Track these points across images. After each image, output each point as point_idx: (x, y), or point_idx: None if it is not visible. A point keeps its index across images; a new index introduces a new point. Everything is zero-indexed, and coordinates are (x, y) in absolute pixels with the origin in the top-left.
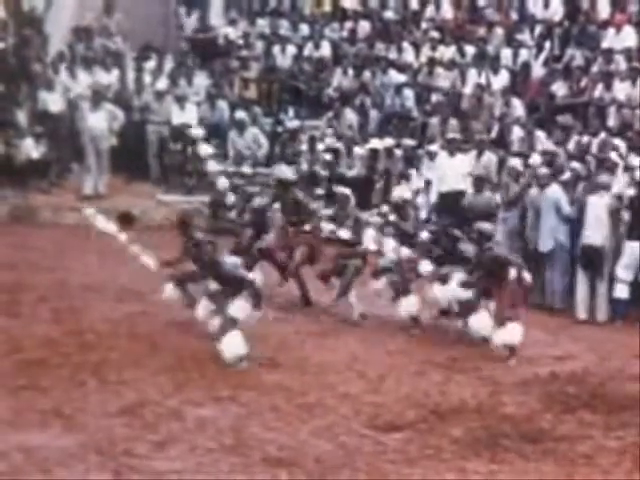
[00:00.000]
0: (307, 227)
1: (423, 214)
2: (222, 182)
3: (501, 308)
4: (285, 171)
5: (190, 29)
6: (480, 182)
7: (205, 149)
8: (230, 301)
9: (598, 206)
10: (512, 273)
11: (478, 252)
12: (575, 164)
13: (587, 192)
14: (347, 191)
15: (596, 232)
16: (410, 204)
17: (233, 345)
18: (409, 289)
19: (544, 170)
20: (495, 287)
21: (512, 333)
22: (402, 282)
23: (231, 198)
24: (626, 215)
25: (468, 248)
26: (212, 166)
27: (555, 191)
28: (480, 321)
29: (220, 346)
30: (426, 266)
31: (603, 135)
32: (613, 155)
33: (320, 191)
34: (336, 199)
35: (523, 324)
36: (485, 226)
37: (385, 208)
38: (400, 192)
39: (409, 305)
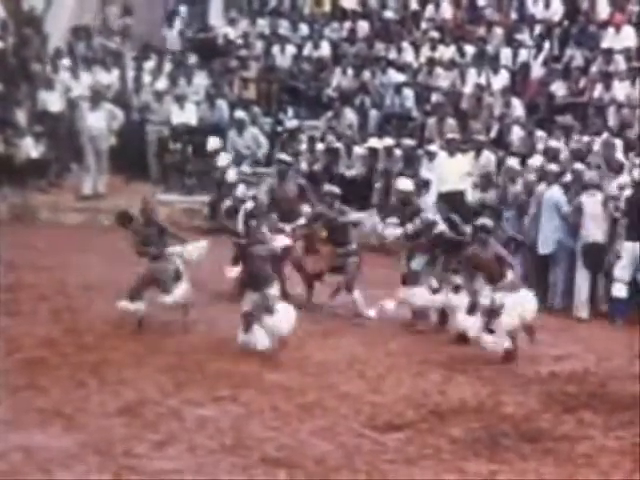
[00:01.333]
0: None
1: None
2: (231, 175)
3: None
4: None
5: (172, 42)
6: (487, 180)
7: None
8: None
9: (593, 204)
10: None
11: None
12: (578, 165)
13: (580, 193)
14: (335, 188)
15: (595, 229)
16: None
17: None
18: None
19: (553, 167)
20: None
21: None
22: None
23: (241, 190)
24: (621, 217)
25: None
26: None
27: (555, 192)
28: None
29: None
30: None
31: (605, 135)
32: (619, 155)
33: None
34: (324, 196)
35: None
36: (486, 221)
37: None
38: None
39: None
